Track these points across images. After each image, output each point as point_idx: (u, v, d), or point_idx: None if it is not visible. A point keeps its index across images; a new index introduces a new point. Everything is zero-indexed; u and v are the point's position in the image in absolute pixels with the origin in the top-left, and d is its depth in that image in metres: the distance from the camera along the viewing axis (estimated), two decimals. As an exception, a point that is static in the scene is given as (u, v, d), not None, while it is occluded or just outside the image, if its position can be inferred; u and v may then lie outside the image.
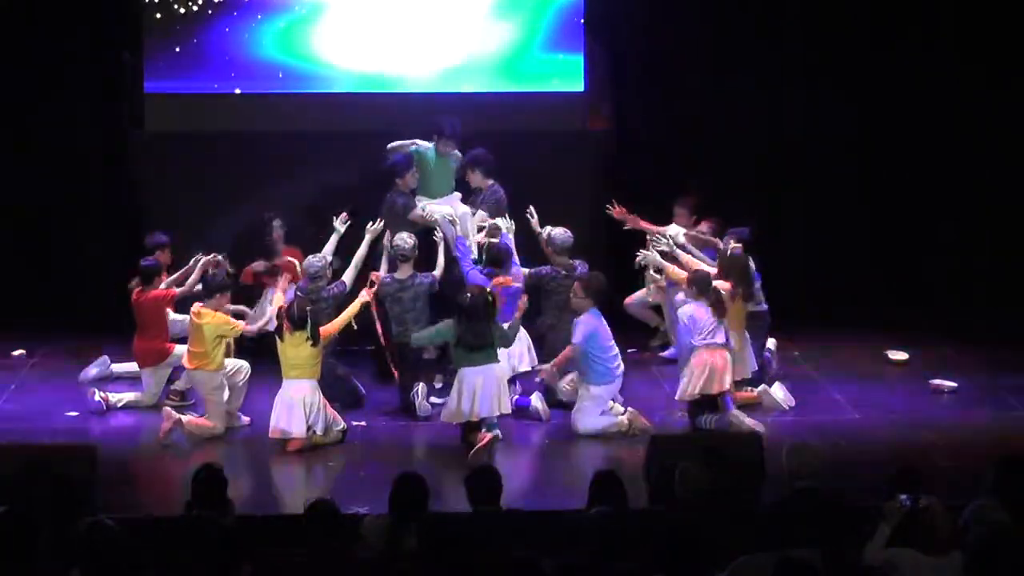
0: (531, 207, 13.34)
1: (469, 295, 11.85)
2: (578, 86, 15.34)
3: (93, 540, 7.68)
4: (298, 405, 11.74)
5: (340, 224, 12.93)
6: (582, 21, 15.11)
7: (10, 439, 11.70)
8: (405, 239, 12.83)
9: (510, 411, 12.06)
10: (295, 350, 11.85)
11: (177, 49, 14.91)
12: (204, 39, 14.95)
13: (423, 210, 13.38)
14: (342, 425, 12.04)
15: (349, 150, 14.66)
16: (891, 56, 15.62)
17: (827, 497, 8.76)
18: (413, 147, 13.72)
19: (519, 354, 12.70)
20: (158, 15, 14.86)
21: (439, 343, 12.51)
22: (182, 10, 14.87)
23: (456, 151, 13.77)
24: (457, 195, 13.78)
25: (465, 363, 11.83)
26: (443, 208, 13.47)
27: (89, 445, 10.34)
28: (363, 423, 12.48)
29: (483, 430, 11.80)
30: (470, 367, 11.79)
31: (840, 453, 11.33)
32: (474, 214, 13.44)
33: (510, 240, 13.00)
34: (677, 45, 15.50)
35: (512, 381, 12.70)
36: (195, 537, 7.90)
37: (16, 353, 14.49)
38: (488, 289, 12.05)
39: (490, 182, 13.62)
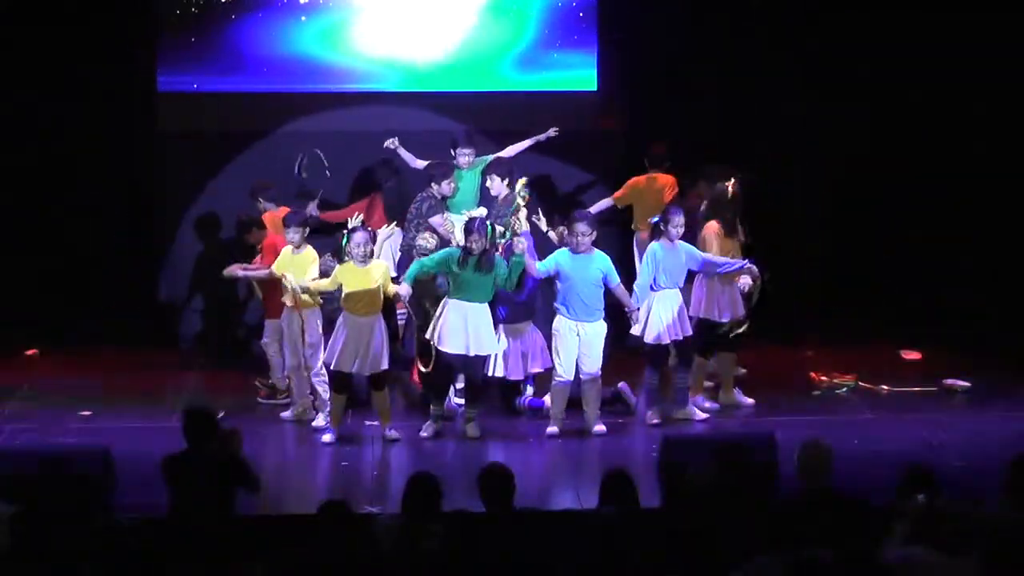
0: (539, 210, 13.22)
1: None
2: (591, 86, 15.35)
3: (109, 539, 7.69)
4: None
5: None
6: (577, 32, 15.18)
7: (24, 439, 11.75)
8: (428, 239, 12.81)
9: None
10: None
11: (190, 48, 14.96)
12: (217, 37, 14.98)
13: (444, 220, 13.31)
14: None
15: (358, 148, 14.67)
16: (902, 61, 15.59)
17: (840, 496, 8.75)
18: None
19: (532, 354, 12.68)
20: (172, 6, 14.92)
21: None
22: (194, 9, 14.92)
23: (476, 159, 13.70)
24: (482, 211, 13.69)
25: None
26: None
27: (102, 445, 10.34)
28: (376, 423, 12.49)
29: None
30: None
31: (853, 452, 11.33)
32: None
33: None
34: (690, 45, 15.48)
35: (526, 380, 12.69)
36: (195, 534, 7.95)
37: (30, 353, 14.52)
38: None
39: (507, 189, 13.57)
